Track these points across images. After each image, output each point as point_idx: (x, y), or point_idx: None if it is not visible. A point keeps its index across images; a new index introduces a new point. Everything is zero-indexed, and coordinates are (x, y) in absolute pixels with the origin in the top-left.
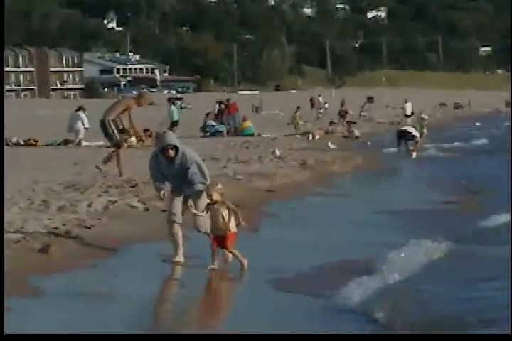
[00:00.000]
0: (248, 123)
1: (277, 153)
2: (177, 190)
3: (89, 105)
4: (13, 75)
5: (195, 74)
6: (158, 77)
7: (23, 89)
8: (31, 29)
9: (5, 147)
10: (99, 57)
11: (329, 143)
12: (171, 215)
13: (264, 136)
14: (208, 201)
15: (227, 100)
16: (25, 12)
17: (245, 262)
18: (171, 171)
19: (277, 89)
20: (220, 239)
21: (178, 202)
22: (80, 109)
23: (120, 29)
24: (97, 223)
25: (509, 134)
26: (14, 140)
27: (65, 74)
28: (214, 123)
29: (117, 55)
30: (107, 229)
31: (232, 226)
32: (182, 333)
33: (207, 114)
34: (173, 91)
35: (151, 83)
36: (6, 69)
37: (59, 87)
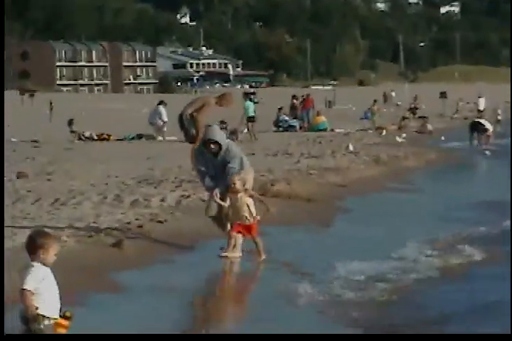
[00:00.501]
0: (322, 118)
1: (350, 148)
2: (221, 185)
3: (163, 100)
4: (86, 70)
5: (268, 69)
6: (231, 72)
7: (96, 84)
8: (105, 24)
9: (78, 141)
10: (172, 52)
11: (397, 137)
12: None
13: (337, 130)
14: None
15: (307, 95)
16: (99, 7)
17: (263, 254)
18: (212, 166)
19: (361, 84)
20: (245, 228)
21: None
22: (160, 103)
23: (193, 24)
24: (169, 217)
25: None
26: (87, 134)
27: (138, 69)
28: (287, 118)
29: (190, 49)
30: (179, 224)
31: (256, 214)
32: (182, 333)
33: (280, 109)
34: (246, 86)
35: (224, 78)
36: (79, 63)
37: (132, 81)
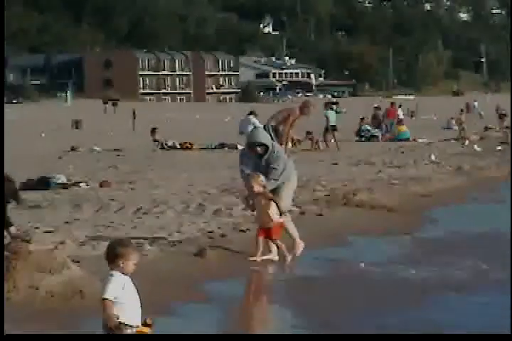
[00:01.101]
0: (404, 128)
1: (433, 157)
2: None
3: (245, 109)
4: (169, 79)
5: (351, 79)
6: (313, 82)
7: (179, 93)
8: (188, 33)
9: (161, 150)
10: (255, 61)
11: (475, 146)
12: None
13: (419, 140)
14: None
15: (391, 104)
16: (182, 16)
17: (289, 256)
18: (259, 166)
19: (455, 94)
20: (265, 231)
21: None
22: (251, 113)
23: (276, 33)
24: (252, 227)
25: None
26: (170, 143)
27: (221, 78)
28: (369, 128)
29: (273, 59)
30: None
31: (276, 216)
32: (183, 333)
33: (362, 119)
34: (329, 96)
35: (307, 87)
36: (162, 72)
37: (215, 90)
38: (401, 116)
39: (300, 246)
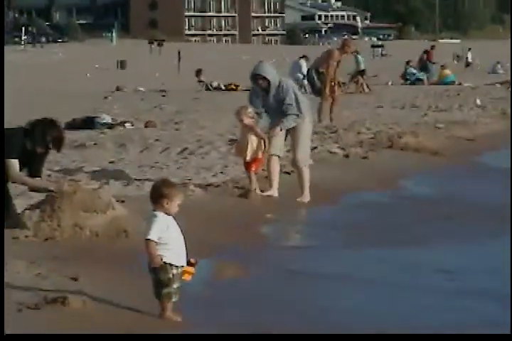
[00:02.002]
0: (448, 72)
1: (478, 102)
2: (274, 123)
3: (290, 51)
4: (214, 20)
5: (397, 22)
6: (359, 24)
7: (225, 35)
8: None
9: (206, 91)
10: (301, 4)
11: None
12: (270, 147)
13: (465, 84)
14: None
15: (432, 47)
16: None
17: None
18: (267, 103)
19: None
20: (246, 163)
21: (279, 135)
22: (302, 57)
23: None
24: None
25: None
26: (215, 84)
27: (267, 20)
28: (414, 71)
29: (319, 1)
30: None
31: (259, 152)
32: (183, 333)
33: (407, 62)
34: (374, 39)
35: (352, 30)
36: (208, 14)
37: (260, 32)
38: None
39: (306, 198)
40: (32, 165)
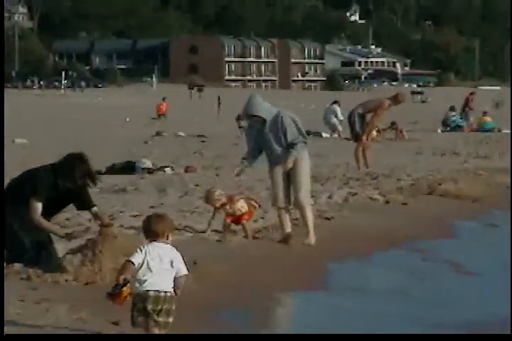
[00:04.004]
0: (488, 118)
1: None
2: (275, 161)
3: (331, 97)
4: (254, 66)
5: (436, 69)
6: (399, 71)
7: (264, 80)
8: (275, 20)
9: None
10: (341, 50)
11: None
12: (273, 199)
13: (504, 131)
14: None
15: (471, 93)
16: (269, 3)
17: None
18: (263, 137)
19: None
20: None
21: (279, 179)
22: (335, 102)
23: (363, 22)
24: (337, 215)
25: None
26: None
27: (307, 66)
28: (454, 118)
29: (359, 47)
30: (347, 221)
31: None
32: (184, 333)
33: (451, 108)
34: (414, 85)
35: (392, 76)
36: (248, 59)
37: (300, 78)
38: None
39: (312, 240)
40: (76, 201)
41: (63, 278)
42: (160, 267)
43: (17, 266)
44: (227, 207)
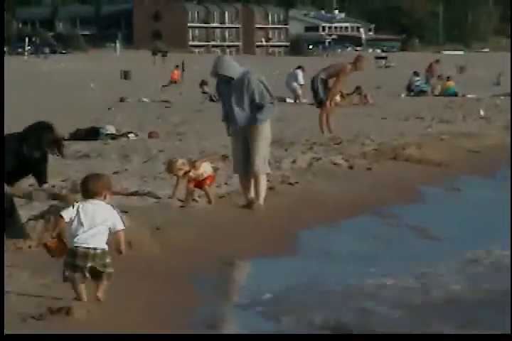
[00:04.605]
0: (451, 83)
1: (482, 113)
2: (234, 124)
3: (295, 62)
4: (218, 31)
5: (401, 34)
6: (363, 36)
7: (228, 46)
8: None
9: (210, 102)
10: (305, 15)
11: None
12: (234, 165)
13: (468, 96)
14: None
15: (437, 60)
16: None
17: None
18: (229, 98)
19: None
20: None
21: (239, 145)
22: (299, 67)
23: None
24: (301, 180)
25: None
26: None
27: (270, 31)
28: (418, 83)
29: (323, 12)
30: (310, 186)
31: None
32: (184, 333)
33: (415, 73)
34: (378, 50)
35: (356, 42)
36: (212, 25)
37: (264, 43)
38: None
39: (260, 208)
40: (35, 171)
41: (26, 244)
42: (92, 223)
43: None
44: (190, 173)
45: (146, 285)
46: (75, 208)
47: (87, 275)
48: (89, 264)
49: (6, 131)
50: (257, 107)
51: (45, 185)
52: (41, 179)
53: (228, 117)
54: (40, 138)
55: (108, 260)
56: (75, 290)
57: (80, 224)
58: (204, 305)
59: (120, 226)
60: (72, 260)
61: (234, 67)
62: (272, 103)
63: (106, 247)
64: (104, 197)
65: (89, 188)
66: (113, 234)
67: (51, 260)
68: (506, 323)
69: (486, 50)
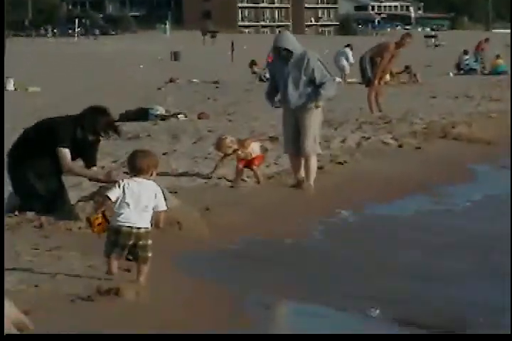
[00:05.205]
0: (500, 61)
1: None
2: (288, 104)
3: (344, 42)
4: (268, 11)
5: (450, 12)
6: (412, 15)
7: (278, 26)
8: None
9: (259, 82)
10: None
11: None
12: (284, 145)
13: None
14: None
15: (486, 39)
16: None
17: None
18: (284, 77)
19: None
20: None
21: (290, 125)
22: (348, 45)
23: None
24: (350, 159)
25: None
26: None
27: (320, 11)
28: (467, 62)
29: None
30: (360, 166)
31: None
32: (184, 333)
33: (464, 51)
34: (428, 29)
35: (406, 20)
36: (261, 5)
37: (313, 23)
38: None
39: (310, 188)
40: (86, 154)
41: (76, 225)
42: (136, 203)
43: (29, 214)
44: (239, 152)
45: (194, 264)
46: (121, 187)
47: (126, 253)
48: (131, 242)
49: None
50: (317, 85)
51: (94, 168)
52: (90, 162)
53: (281, 96)
54: (95, 123)
55: (149, 242)
56: (108, 264)
57: (125, 202)
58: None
59: (163, 207)
60: (115, 238)
61: (295, 43)
62: (333, 80)
63: (149, 227)
64: (151, 175)
65: (135, 165)
66: (156, 213)
67: (100, 241)
68: (506, 323)
69: None
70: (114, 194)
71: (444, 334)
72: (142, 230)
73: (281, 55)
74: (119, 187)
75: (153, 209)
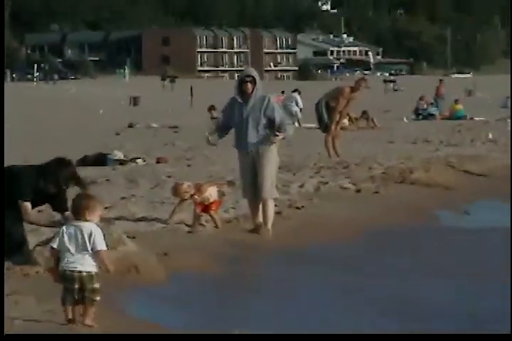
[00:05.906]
0: (459, 106)
1: (490, 136)
2: (244, 146)
3: (303, 87)
4: (227, 56)
5: (409, 57)
6: (371, 60)
7: (237, 70)
8: (246, 11)
9: None
10: (313, 39)
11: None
12: (242, 190)
13: (476, 119)
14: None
15: (440, 81)
16: None
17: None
18: (241, 120)
19: None
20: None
21: (247, 169)
22: (295, 90)
23: (334, 11)
24: (308, 204)
25: None
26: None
27: (279, 56)
28: (425, 106)
29: (331, 36)
30: (318, 210)
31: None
32: (184, 333)
33: (420, 98)
34: (386, 74)
35: (365, 65)
36: (220, 50)
37: (272, 68)
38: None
39: (268, 233)
40: (53, 202)
41: (33, 270)
42: (76, 246)
43: None
44: (196, 196)
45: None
46: (61, 233)
47: (76, 297)
48: (76, 286)
49: (20, 161)
50: (276, 127)
51: (66, 213)
52: (59, 208)
53: (237, 140)
54: (58, 175)
55: (96, 285)
56: (63, 310)
57: (66, 247)
58: None
59: (101, 246)
60: (63, 283)
61: (259, 78)
62: (291, 123)
63: (93, 270)
64: (91, 217)
65: (72, 208)
66: (94, 254)
67: (58, 286)
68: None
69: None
70: (55, 242)
71: (444, 334)
72: (84, 274)
73: (245, 87)
74: (58, 234)
75: (92, 250)
